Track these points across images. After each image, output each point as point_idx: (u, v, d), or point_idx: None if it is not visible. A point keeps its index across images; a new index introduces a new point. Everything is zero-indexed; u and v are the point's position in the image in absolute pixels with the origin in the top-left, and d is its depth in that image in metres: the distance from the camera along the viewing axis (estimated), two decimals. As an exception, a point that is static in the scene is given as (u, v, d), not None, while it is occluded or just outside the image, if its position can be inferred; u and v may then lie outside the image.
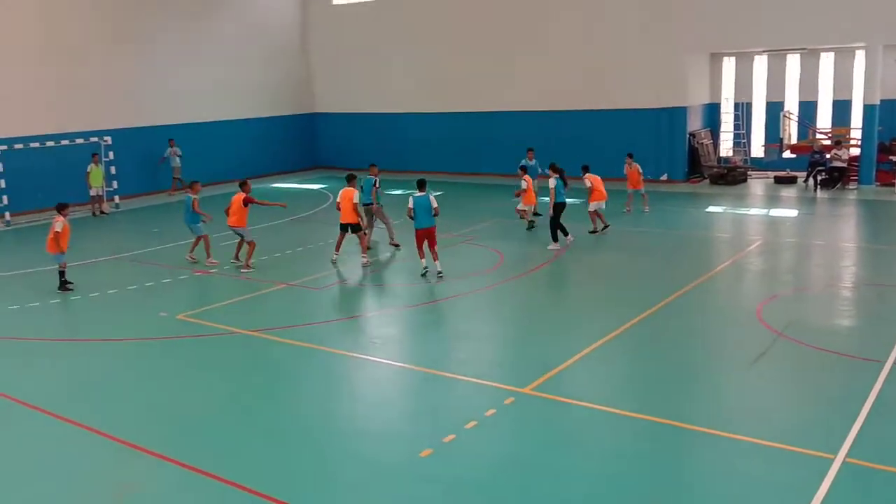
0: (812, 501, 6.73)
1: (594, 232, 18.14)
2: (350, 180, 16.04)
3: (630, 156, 20.85)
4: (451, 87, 29.01)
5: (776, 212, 20.64)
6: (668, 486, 7.25)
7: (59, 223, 14.45)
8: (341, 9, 31.70)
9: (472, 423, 8.50)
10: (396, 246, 17.28)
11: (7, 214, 22.00)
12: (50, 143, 22.91)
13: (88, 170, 23.07)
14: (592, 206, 18.20)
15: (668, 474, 7.48)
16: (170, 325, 12.53)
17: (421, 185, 15.08)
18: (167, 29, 27.15)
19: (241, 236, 16.06)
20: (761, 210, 21.06)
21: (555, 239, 16.88)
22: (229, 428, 8.80)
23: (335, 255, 16.04)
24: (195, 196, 16.50)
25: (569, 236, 17.12)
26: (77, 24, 24.72)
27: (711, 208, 21.41)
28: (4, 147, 21.94)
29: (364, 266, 15.82)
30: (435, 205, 14.58)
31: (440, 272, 14.68)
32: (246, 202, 15.83)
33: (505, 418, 8.75)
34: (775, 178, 24.99)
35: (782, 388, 9.52)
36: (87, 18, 24.99)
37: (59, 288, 14.66)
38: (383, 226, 17.48)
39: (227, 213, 15.99)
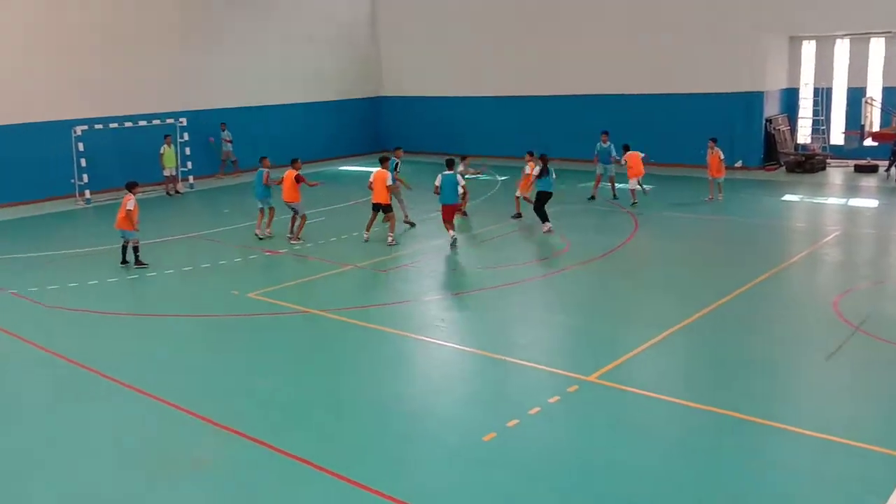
0: (888, 500, 6.53)
1: (634, 204, 19.45)
2: (383, 162, 16.44)
3: (713, 141, 20.32)
4: (519, 70, 28.79)
5: (855, 202, 19.92)
6: (736, 482, 7.11)
7: (130, 201, 14.99)
8: (411, -8, 31.74)
9: (535, 409, 8.51)
10: (411, 224, 17.99)
11: (87, 193, 22.83)
12: (128, 124, 23.67)
13: (161, 151, 23.75)
14: (631, 184, 19.62)
15: (736, 469, 7.33)
16: (242, 303, 12.86)
17: (449, 164, 16.22)
18: (238, 14, 27.66)
19: (295, 211, 16.84)
20: (840, 200, 20.35)
21: (543, 220, 17.12)
22: (298, 405, 9.02)
23: (366, 235, 16.72)
24: (266, 170, 17.07)
25: (547, 224, 17.05)
26: (153, 10, 25.36)
27: (787, 197, 20.80)
28: (85, 127, 22.75)
29: (390, 245, 16.25)
30: (462, 183, 15.82)
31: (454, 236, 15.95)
32: (297, 179, 16.62)
33: (569, 406, 8.72)
34: (855, 166, 24.09)
35: (858, 384, 9.24)
36: (162, 5, 25.61)
37: (135, 263, 15.22)
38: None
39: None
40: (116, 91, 24.42)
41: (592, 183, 20.91)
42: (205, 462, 7.75)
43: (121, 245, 15.40)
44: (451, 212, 15.97)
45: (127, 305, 13.18)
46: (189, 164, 24.72)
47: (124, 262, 15.30)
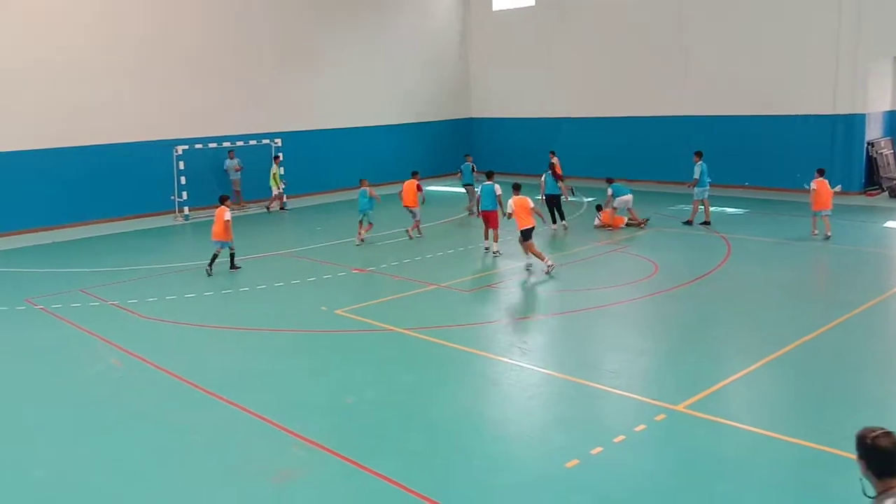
0: None
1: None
2: (517, 188, 16.34)
3: (820, 172, 18.56)
4: (609, 91, 28.63)
5: (966, 230, 18.85)
6: (833, 521, 6.80)
7: (227, 213, 16.29)
8: (501, 14, 31.99)
9: (620, 437, 8.34)
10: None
11: (186, 209, 23.80)
12: (226, 144, 24.64)
13: (273, 171, 24.73)
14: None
15: (833, 508, 7.01)
16: (329, 319, 13.13)
17: (489, 175, 17.91)
18: (333, 38, 28.47)
19: (413, 214, 19.71)
20: (948, 227, 19.30)
21: (553, 221, 19.87)
22: (384, 423, 9.09)
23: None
24: (368, 188, 19.22)
25: (555, 224, 19.83)
26: (249, 34, 26.34)
27: (890, 223, 19.85)
28: (186, 147, 23.77)
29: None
30: (498, 192, 17.06)
31: (497, 251, 17.29)
32: (418, 188, 19.68)
33: (655, 435, 8.51)
34: (966, 192, 22.84)
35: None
36: (259, 29, 26.57)
37: (231, 268, 16.72)
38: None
39: (400, 196, 19.99)
40: (214, 112, 25.45)
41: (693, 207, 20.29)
42: (290, 475, 7.91)
43: (212, 254, 16.47)
44: (492, 218, 17.21)
45: (220, 318, 13.63)
46: (284, 184, 25.47)
47: (210, 270, 16.44)
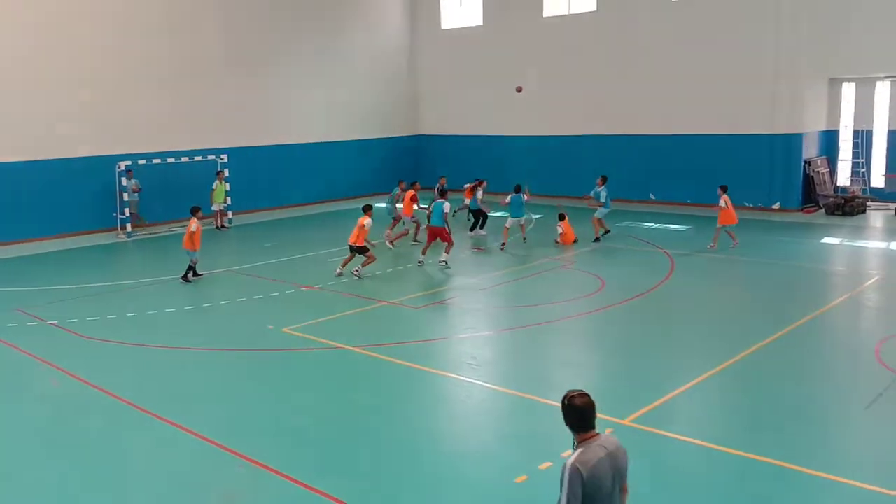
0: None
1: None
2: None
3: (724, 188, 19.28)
4: (556, 110, 29.00)
5: (898, 245, 19.58)
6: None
7: (193, 223, 16.53)
8: (450, 33, 32.25)
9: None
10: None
11: (128, 226, 23.31)
12: (170, 160, 24.25)
13: (214, 187, 24.33)
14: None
15: (775, 518, 7.16)
16: (276, 338, 12.96)
17: (442, 193, 18.36)
18: (282, 54, 28.33)
19: (416, 222, 20.70)
20: (881, 243, 19.98)
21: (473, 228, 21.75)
22: (331, 443, 8.99)
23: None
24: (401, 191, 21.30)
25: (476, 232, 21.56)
26: (195, 48, 26.02)
27: (827, 240, 20.49)
28: (129, 162, 23.33)
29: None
30: (447, 210, 17.84)
31: (444, 261, 17.74)
32: (413, 199, 20.39)
33: (603, 448, 8.58)
34: (897, 209, 23.73)
35: (901, 434, 8.99)
36: (204, 43, 26.27)
37: (183, 277, 16.92)
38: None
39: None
40: (159, 128, 25.03)
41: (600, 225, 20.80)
42: (234, 497, 7.75)
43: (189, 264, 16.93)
44: (436, 234, 18.05)
45: (163, 338, 13.33)
46: (228, 200, 25.10)
47: (186, 278, 16.88)
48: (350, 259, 17.27)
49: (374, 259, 17.31)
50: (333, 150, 30.22)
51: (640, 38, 26.65)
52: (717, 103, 25.22)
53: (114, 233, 23.57)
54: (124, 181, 23.37)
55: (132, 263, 20.26)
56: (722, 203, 18.86)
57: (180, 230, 23.95)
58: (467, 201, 22.34)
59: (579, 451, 4.78)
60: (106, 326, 13.85)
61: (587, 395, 4.91)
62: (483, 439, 9.11)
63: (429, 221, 18.79)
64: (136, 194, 23.68)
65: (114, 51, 24.00)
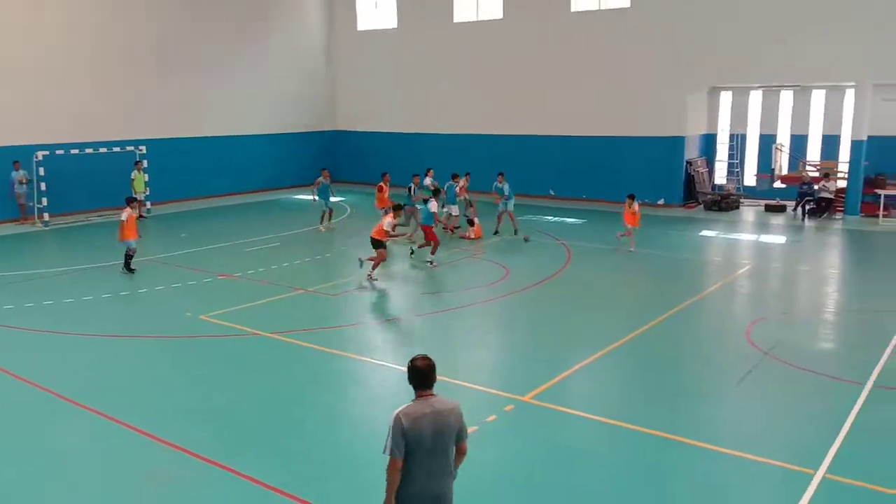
0: (792, 514, 6.72)
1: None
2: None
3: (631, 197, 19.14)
4: (463, 110, 29.16)
5: (766, 238, 20.61)
6: (653, 498, 7.23)
7: (124, 213, 15.81)
8: (365, 34, 31.95)
9: (473, 428, 8.47)
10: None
11: (46, 215, 22.18)
12: (89, 150, 23.16)
13: (133, 176, 23.34)
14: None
15: (657, 485, 7.46)
16: (194, 325, 12.60)
17: (436, 192, 18.14)
18: (203, 49, 27.39)
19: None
20: (752, 236, 21.02)
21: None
22: (250, 426, 8.83)
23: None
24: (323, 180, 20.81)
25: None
26: (115, 39, 24.92)
27: (705, 233, 21.39)
28: (46, 152, 22.16)
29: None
30: (433, 209, 17.35)
31: (429, 261, 16.96)
32: (380, 189, 19.88)
33: (505, 424, 8.76)
34: (766, 206, 24.95)
35: (767, 406, 9.50)
36: (125, 33, 25.18)
37: (124, 269, 16.03)
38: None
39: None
40: (78, 118, 23.88)
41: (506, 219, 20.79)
42: (158, 481, 7.52)
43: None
44: (425, 232, 17.38)
45: (81, 326, 12.75)
46: (147, 190, 24.18)
47: (128, 268, 16.07)
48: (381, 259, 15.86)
49: (383, 259, 15.81)
50: (252, 143, 29.49)
51: (542, 46, 27.04)
52: (611, 108, 25.90)
53: (30, 222, 22.36)
54: (13, 174, 22.04)
55: (49, 252, 19.28)
56: (636, 208, 18.59)
57: (97, 219, 23.05)
58: (465, 196, 21.20)
59: (408, 404, 5.11)
60: (22, 315, 13.15)
61: (428, 359, 5.19)
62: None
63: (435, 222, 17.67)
64: (24, 186, 22.19)
65: (32, 41, 22.72)
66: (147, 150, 24.43)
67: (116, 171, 23.79)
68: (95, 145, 23.54)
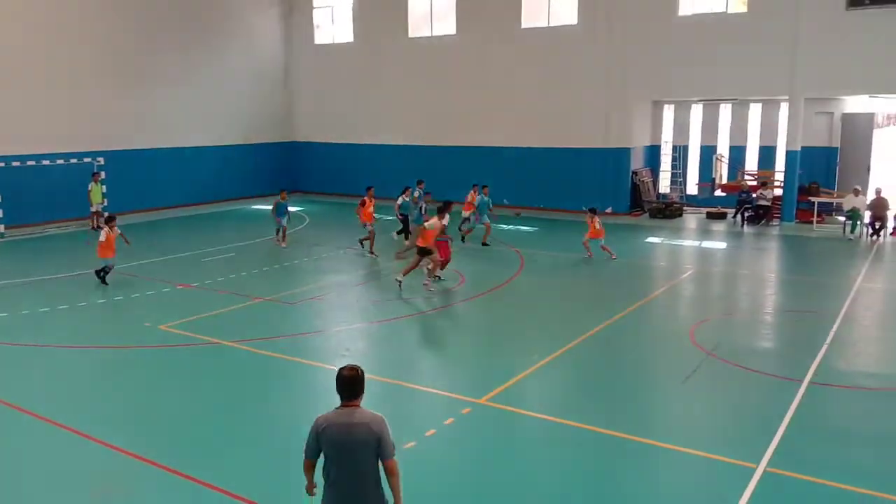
0: (736, 506, 6.83)
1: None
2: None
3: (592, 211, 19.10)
4: (418, 123, 29.18)
5: (707, 244, 21.03)
6: (606, 494, 7.29)
7: (102, 233, 15.58)
8: (322, 48, 31.77)
9: (431, 431, 8.48)
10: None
11: (1, 227, 21.47)
12: (45, 162, 22.52)
13: (90, 188, 22.73)
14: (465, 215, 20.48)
15: (607, 482, 7.53)
16: (153, 335, 12.30)
17: (441, 209, 16.25)
18: (161, 60, 26.88)
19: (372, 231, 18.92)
20: (694, 242, 21.42)
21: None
22: (208, 434, 8.65)
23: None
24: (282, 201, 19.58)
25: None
26: (69, 50, 24.29)
27: (650, 239, 21.72)
28: (2, 164, 21.47)
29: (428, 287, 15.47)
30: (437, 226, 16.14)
31: (437, 276, 15.81)
32: (363, 203, 18.81)
33: (462, 427, 8.74)
34: (707, 213, 25.46)
35: (711, 403, 9.67)
36: (80, 45, 24.59)
37: (101, 280, 15.60)
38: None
39: (358, 212, 19.04)
40: (34, 129, 23.19)
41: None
42: (115, 488, 7.30)
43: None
44: (441, 247, 15.93)
45: (37, 337, 12.35)
46: (105, 201, 23.59)
47: (103, 280, 15.60)
48: (418, 263, 15.28)
49: (438, 263, 15.26)
50: (210, 154, 29.00)
51: (495, 61, 27.21)
52: (560, 121, 26.14)
53: (-16, 234, 21.64)
54: None
55: (4, 264, 18.64)
56: (598, 224, 18.55)
57: (53, 231, 22.40)
58: (466, 213, 20.72)
59: (330, 411, 5.03)
60: (-24, 327, 12.68)
61: (356, 369, 5.03)
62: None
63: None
64: None
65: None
66: (105, 161, 23.86)
67: (73, 182, 23.16)
68: (52, 157, 22.90)
